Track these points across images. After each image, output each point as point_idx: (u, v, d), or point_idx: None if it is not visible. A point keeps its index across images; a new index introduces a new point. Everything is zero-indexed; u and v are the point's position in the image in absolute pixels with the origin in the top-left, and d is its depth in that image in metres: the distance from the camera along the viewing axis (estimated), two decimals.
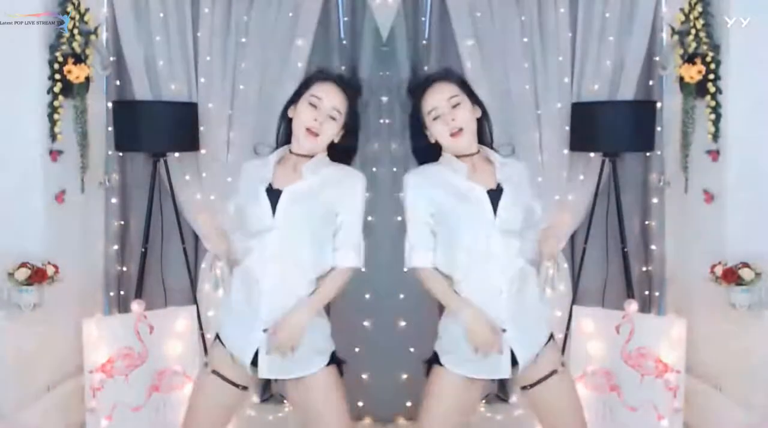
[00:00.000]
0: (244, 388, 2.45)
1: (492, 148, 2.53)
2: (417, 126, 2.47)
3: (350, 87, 2.44)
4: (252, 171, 2.46)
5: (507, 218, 2.36)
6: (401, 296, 3.53)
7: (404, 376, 3.54)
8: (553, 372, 2.44)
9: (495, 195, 2.38)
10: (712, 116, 3.21)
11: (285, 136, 2.50)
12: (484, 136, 2.51)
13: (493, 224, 2.35)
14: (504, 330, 2.36)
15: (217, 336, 2.47)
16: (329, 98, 2.36)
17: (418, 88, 2.46)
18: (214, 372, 2.42)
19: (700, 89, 3.25)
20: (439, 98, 2.38)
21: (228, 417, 2.52)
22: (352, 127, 2.45)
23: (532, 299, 2.47)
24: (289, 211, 2.35)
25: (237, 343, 2.39)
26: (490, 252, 2.36)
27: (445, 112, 2.38)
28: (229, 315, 2.46)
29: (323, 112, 2.36)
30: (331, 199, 2.40)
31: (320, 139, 2.37)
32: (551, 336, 2.53)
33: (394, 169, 3.60)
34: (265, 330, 2.34)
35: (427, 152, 2.49)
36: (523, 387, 2.49)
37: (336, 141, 2.43)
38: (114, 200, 3.61)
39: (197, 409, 2.45)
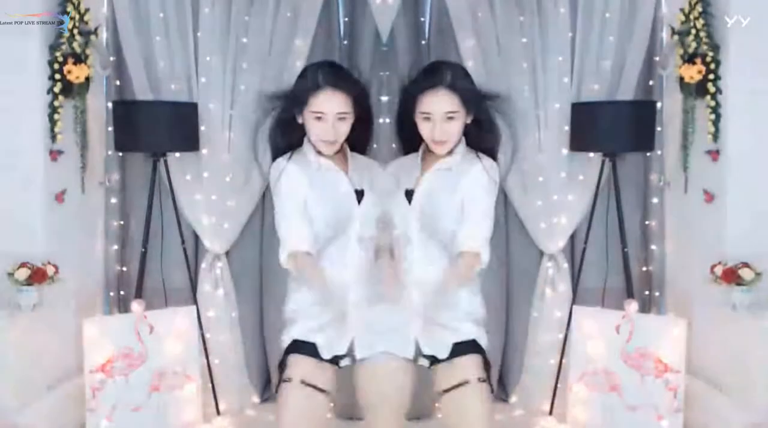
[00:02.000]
0: (329, 393, 2.43)
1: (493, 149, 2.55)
2: (407, 109, 2.50)
3: (346, 87, 2.41)
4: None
5: (418, 214, 2.44)
6: None
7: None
8: (465, 383, 2.37)
9: None
10: (712, 116, 3.21)
11: (292, 138, 2.51)
12: (483, 140, 2.52)
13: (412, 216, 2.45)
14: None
15: (290, 350, 2.45)
16: (331, 107, 2.36)
17: (420, 85, 2.44)
18: (303, 382, 2.36)
19: (700, 89, 3.25)
20: (436, 108, 2.38)
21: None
22: (363, 116, 2.47)
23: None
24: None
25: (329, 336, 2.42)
26: (411, 239, 2.44)
27: (436, 121, 2.38)
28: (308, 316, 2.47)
29: (330, 120, 2.37)
30: None
31: (338, 141, 2.42)
32: (477, 347, 2.48)
33: None
34: None
35: (411, 131, 2.53)
36: (439, 393, 2.45)
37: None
38: (114, 200, 3.61)
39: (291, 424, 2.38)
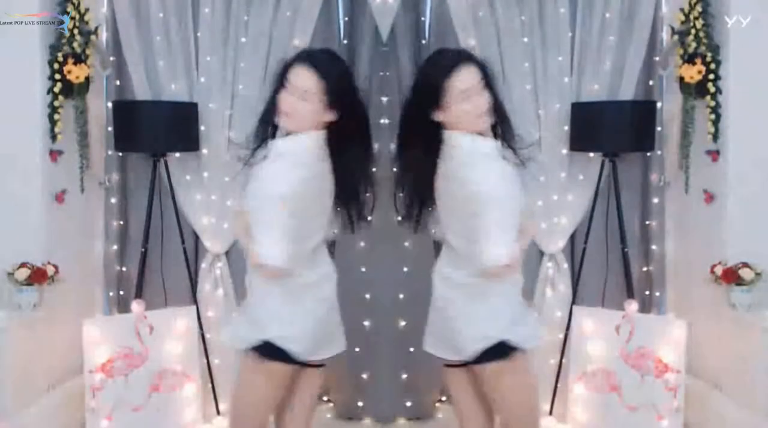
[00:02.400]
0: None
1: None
2: (425, 103, 2.39)
3: (319, 67, 2.35)
4: None
5: None
6: (401, 296, 3.53)
7: (404, 376, 3.54)
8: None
9: None
10: (712, 116, 3.21)
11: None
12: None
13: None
14: None
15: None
16: (297, 80, 2.34)
17: (447, 66, 2.37)
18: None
19: (700, 89, 3.25)
20: (472, 80, 2.35)
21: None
22: (338, 105, 2.35)
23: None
24: None
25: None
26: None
27: (476, 94, 2.35)
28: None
29: (294, 94, 2.34)
30: None
31: (292, 118, 2.34)
32: None
33: (395, 169, 3.59)
34: None
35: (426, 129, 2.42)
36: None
37: (327, 120, 2.35)
38: (114, 200, 3.61)
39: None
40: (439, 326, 2.48)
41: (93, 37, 3.31)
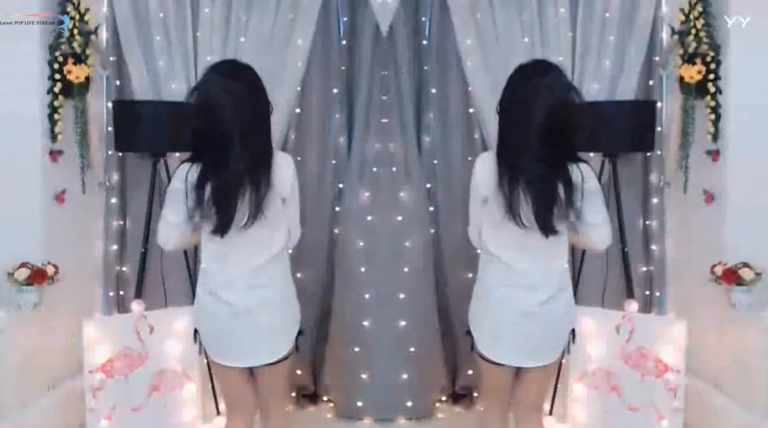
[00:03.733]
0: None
1: None
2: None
3: None
4: None
5: None
6: (401, 296, 3.53)
7: (404, 376, 3.54)
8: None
9: None
10: (712, 116, 3.22)
11: None
12: None
13: None
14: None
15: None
16: None
17: None
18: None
19: (700, 89, 3.25)
20: None
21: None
22: None
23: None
24: None
25: None
26: None
27: None
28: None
29: None
30: None
31: None
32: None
33: (394, 169, 3.60)
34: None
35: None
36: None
37: None
38: (114, 200, 3.61)
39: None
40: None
41: (93, 37, 3.31)
